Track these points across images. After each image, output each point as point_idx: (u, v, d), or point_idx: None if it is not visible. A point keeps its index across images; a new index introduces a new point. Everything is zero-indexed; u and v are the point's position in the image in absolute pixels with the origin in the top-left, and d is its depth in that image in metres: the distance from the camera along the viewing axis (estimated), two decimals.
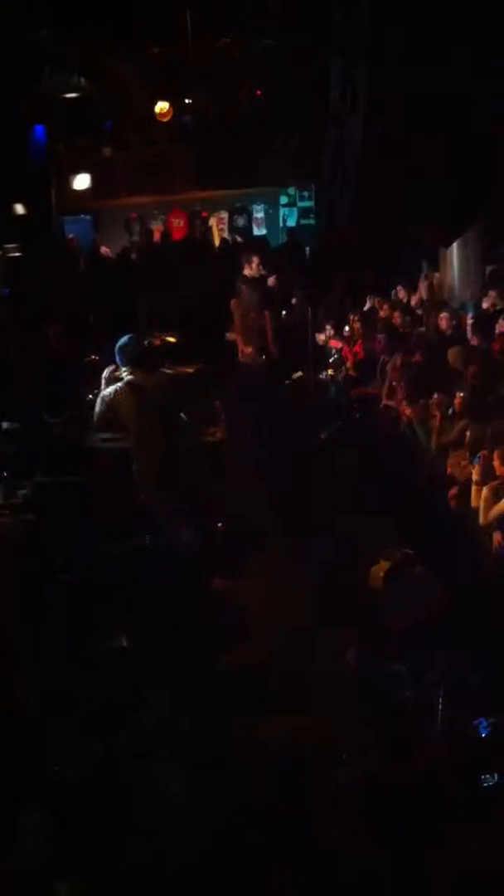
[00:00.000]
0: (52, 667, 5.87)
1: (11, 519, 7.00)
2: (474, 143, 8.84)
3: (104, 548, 7.26)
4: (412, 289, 12.74)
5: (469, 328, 10.09)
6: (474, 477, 7.75)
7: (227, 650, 6.82)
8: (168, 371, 9.73)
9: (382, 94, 9.19)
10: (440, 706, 5.45)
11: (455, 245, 11.37)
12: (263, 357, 11.45)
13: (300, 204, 20.39)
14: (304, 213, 20.36)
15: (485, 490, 7.49)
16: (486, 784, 5.01)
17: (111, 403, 7.60)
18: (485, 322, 9.97)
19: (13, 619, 6.16)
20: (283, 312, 13.59)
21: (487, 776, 5.03)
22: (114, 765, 5.23)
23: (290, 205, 20.44)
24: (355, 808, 4.64)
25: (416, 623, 6.39)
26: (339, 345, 12.64)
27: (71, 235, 18.63)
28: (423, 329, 11.07)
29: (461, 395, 8.60)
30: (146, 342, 10.51)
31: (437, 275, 12.25)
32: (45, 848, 4.42)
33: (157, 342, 11.26)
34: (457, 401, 8.61)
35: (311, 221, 20.05)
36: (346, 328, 12.74)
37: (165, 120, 18.72)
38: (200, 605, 7.20)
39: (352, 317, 12.74)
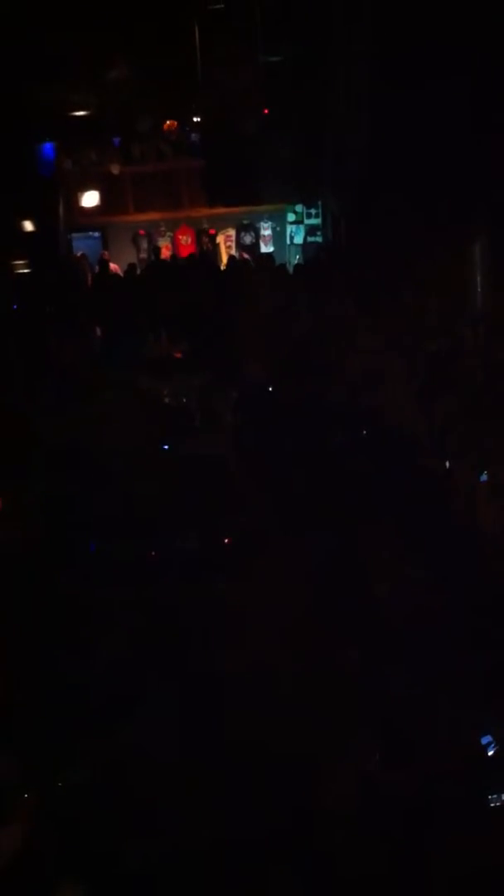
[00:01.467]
0: (54, 670, 5.86)
1: (17, 526, 7.03)
2: (477, 147, 8.88)
3: (107, 553, 7.26)
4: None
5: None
6: (482, 486, 7.77)
7: (229, 652, 6.80)
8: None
9: (386, 99, 9.25)
10: (443, 712, 5.43)
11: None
12: (273, 370, 11.49)
13: (307, 221, 20.42)
14: (311, 230, 20.40)
15: (491, 498, 7.50)
16: (493, 804, 4.96)
17: (103, 408, 7.65)
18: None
19: (16, 625, 6.17)
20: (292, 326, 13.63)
21: (494, 796, 4.98)
22: (114, 766, 5.21)
23: (298, 222, 20.47)
24: (355, 810, 4.61)
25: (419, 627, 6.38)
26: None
27: (80, 252, 18.72)
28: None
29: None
30: (156, 355, 10.60)
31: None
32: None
33: (164, 355, 11.27)
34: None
35: (318, 238, 20.10)
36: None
37: (173, 137, 18.82)
38: (203, 607, 7.20)
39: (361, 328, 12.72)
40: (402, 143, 9.72)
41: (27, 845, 4.53)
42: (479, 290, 11.57)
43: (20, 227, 16.81)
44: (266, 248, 20.30)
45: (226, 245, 20.23)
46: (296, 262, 19.33)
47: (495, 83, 8.48)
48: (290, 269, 17.71)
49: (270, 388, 11.13)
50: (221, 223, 20.14)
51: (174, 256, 18.95)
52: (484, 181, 8.93)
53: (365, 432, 10.28)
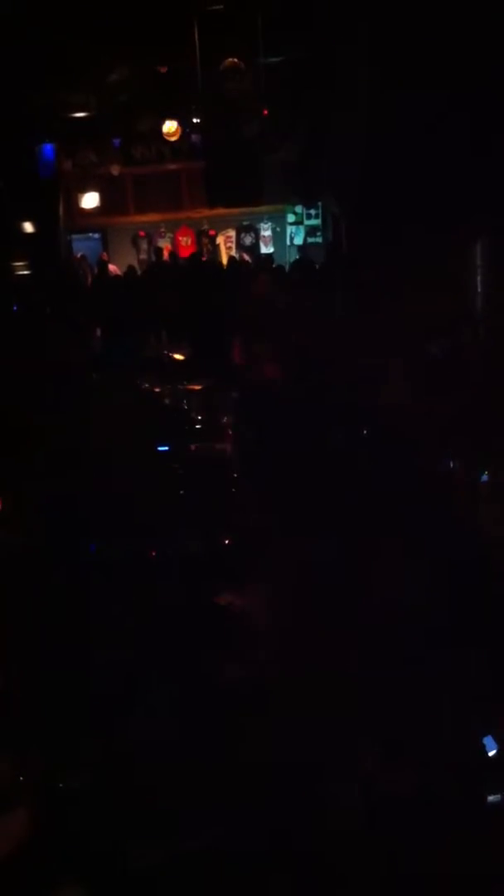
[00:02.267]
0: (54, 670, 5.86)
1: (18, 527, 7.04)
2: (478, 147, 8.86)
3: (107, 553, 7.26)
4: None
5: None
6: (483, 486, 7.78)
7: (229, 652, 6.80)
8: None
9: (386, 98, 9.24)
10: (443, 712, 5.43)
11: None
12: (274, 374, 11.50)
13: (307, 222, 20.46)
14: (311, 231, 20.43)
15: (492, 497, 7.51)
16: (493, 804, 4.94)
17: (103, 410, 7.67)
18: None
19: (16, 627, 6.16)
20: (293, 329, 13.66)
21: (494, 796, 4.96)
22: (114, 767, 5.21)
23: (298, 223, 20.52)
24: (355, 811, 4.61)
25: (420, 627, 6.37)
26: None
27: (80, 253, 18.74)
28: None
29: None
30: (157, 357, 10.60)
31: None
32: None
33: (165, 359, 11.25)
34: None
35: (319, 239, 20.12)
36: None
37: (173, 138, 18.82)
38: (203, 611, 7.19)
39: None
40: (402, 143, 9.71)
41: (28, 836, 4.53)
42: (479, 290, 11.56)
43: (20, 229, 16.81)
44: (266, 249, 20.34)
45: (226, 246, 20.27)
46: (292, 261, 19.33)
47: (496, 83, 8.47)
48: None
49: (271, 389, 11.11)
50: (221, 224, 20.16)
51: (174, 256, 18.97)
52: (484, 180, 8.92)
53: (365, 432, 10.28)
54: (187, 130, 19.05)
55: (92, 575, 7.13)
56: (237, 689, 6.40)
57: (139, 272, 18.08)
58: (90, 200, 18.84)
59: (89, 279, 17.74)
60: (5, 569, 6.71)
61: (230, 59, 16.33)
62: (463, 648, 6.11)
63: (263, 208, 19.82)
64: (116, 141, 18.90)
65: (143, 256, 19.83)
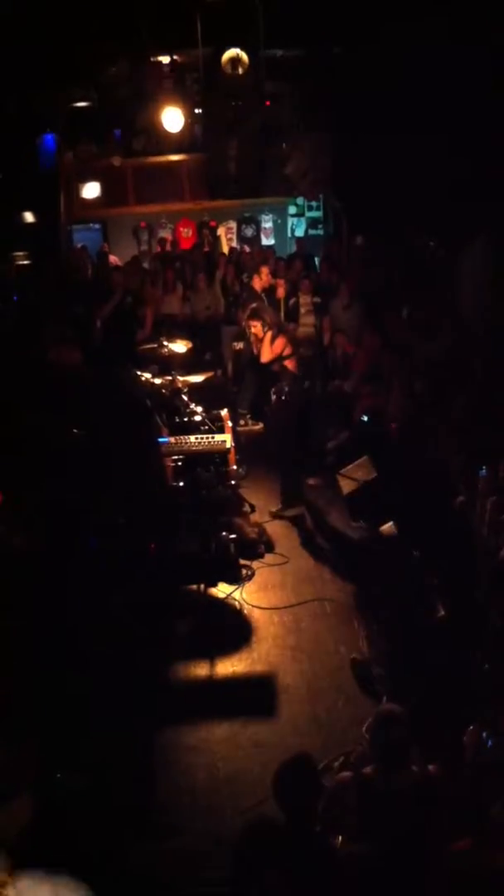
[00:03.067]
0: (53, 669, 5.88)
1: (18, 525, 7.04)
2: (479, 148, 8.84)
3: (107, 552, 7.27)
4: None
5: None
6: (480, 486, 7.78)
7: (228, 654, 6.84)
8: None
9: (386, 98, 9.21)
10: (443, 712, 5.45)
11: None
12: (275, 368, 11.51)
13: (308, 214, 20.43)
14: (312, 223, 20.40)
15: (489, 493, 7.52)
16: (493, 807, 4.95)
17: (102, 404, 7.67)
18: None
19: (16, 628, 6.17)
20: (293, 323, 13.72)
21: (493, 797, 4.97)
22: (114, 767, 5.23)
23: (299, 215, 20.49)
24: (352, 812, 4.63)
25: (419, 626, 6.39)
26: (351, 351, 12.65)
27: (81, 244, 18.70)
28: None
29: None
30: (156, 350, 10.57)
31: None
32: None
33: (165, 351, 11.21)
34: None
35: (320, 231, 20.10)
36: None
37: (175, 130, 18.73)
38: (202, 610, 7.22)
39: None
40: (403, 140, 9.69)
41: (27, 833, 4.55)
42: (479, 290, 11.55)
43: (21, 220, 16.77)
44: (267, 241, 20.32)
45: (227, 238, 20.23)
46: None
47: (497, 81, 8.46)
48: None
49: (272, 386, 11.12)
50: (222, 216, 20.13)
51: (174, 244, 18.94)
52: (485, 178, 8.91)
53: (365, 432, 10.30)
54: (189, 122, 18.98)
55: (92, 572, 7.13)
56: (237, 688, 6.43)
57: (146, 263, 18.07)
58: (91, 191, 18.77)
59: (90, 270, 17.69)
60: (6, 566, 6.72)
61: (232, 51, 16.26)
62: (463, 647, 6.14)
63: (264, 200, 19.77)
64: (117, 132, 18.82)
65: (144, 248, 19.82)
